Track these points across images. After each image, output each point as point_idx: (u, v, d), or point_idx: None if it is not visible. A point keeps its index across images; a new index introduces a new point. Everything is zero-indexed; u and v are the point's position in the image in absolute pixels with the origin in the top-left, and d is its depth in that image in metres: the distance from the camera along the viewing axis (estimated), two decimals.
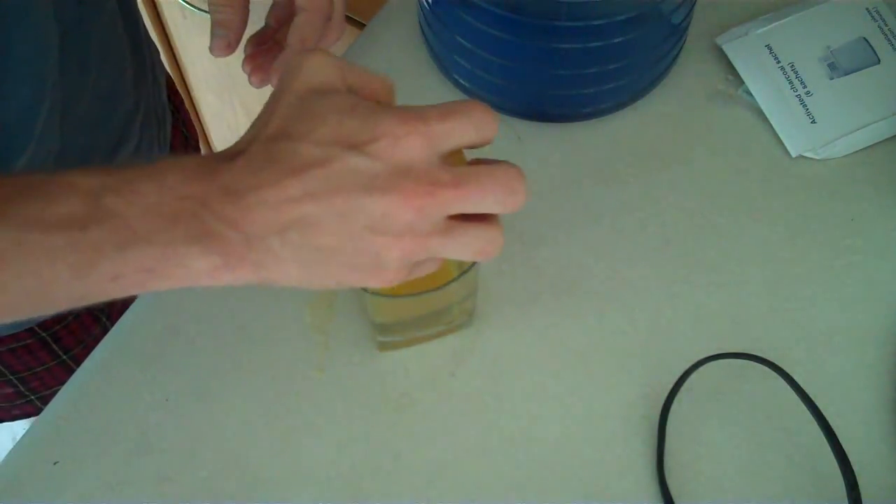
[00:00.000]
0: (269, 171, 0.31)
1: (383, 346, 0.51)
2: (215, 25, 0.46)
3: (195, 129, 0.81)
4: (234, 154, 0.32)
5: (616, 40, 0.53)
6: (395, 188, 0.31)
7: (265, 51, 0.49)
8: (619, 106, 0.60)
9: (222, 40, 0.46)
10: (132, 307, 0.54)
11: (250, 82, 0.49)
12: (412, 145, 0.31)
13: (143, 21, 0.61)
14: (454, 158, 0.34)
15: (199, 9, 1.02)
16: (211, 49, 0.47)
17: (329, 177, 0.31)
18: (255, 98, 1.19)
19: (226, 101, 1.25)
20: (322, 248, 0.32)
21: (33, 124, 0.47)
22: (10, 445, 0.51)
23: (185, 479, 0.48)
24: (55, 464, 0.49)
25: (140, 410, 0.50)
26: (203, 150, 1.13)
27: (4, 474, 0.49)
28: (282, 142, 0.32)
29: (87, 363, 0.52)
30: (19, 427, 1.46)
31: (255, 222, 0.31)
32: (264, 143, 0.32)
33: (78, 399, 0.51)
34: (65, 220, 0.31)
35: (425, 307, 0.48)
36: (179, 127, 0.75)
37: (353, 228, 0.32)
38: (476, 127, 0.33)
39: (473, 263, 0.43)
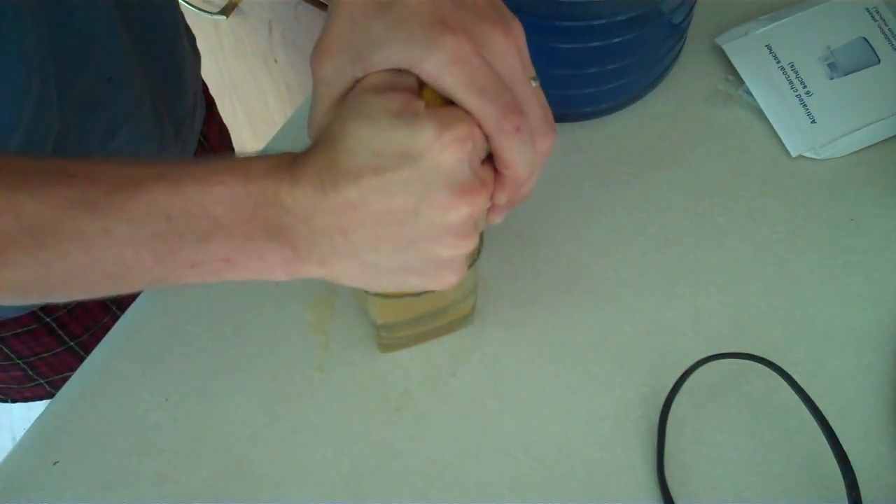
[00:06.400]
0: (330, 173, 0.33)
1: (384, 347, 0.51)
2: None
3: (226, 126, 0.81)
4: (304, 152, 0.34)
5: (616, 40, 0.53)
6: (444, 193, 0.33)
7: None
8: (619, 106, 0.60)
9: None
10: (133, 307, 0.54)
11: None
12: (454, 153, 0.33)
13: (157, 5, 0.59)
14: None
15: (199, 9, 1.01)
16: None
17: (383, 186, 0.33)
18: (256, 98, 1.19)
19: (226, 101, 1.25)
20: (381, 252, 0.35)
21: (24, 102, 0.47)
22: (10, 445, 0.51)
23: (185, 479, 0.48)
24: (55, 464, 0.49)
25: (140, 410, 0.50)
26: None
27: (4, 474, 0.49)
28: (340, 145, 0.33)
29: (87, 363, 0.52)
30: (19, 427, 1.46)
31: (320, 220, 0.34)
32: (327, 145, 0.34)
33: (78, 399, 0.51)
34: (150, 210, 0.33)
35: (425, 307, 0.48)
36: (214, 121, 0.76)
37: (409, 235, 0.34)
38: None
39: (473, 263, 0.43)
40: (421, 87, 0.35)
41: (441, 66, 0.33)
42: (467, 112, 0.34)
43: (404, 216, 0.34)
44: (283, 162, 0.34)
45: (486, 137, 0.35)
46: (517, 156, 0.35)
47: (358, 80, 0.35)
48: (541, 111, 0.36)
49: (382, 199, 0.33)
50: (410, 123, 0.33)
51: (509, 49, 0.35)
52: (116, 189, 0.33)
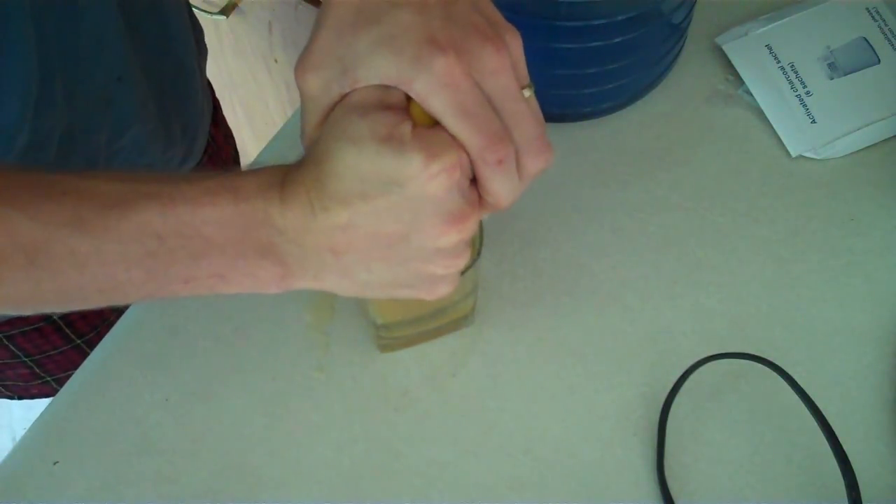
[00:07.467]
0: (319, 195, 0.33)
1: (384, 347, 0.51)
2: None
3: (229, 127, 0.81)
4: (293, 169, 0.34)
5: (616, 40, 0.53)
6: (434, 221, 0.33)
7: None
8: (619, 106, 0.60)
9: None
10: (133, 306, 0.54)
11: None
12: (442, 182, 0.33)
13: (162, 5, 0.59)
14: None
15: (199, 9, 1.01)
16: None
17: (371, 212, 0.33)
18: (256, 98, 1.19)
19: (226, 101, 1.25)
20: (373, 270, 0.35)
21: (27, 101, 0.47)
22: (10, 445, 0.51)
23: (185, 479, 0.48)
24: (55, 464, 0.49)
25: (140, 410, 0.50)
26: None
27: (4, 474, 0.49)
28: (327, 167, 0.33)
29: (88, 363, 0.52)
30: (19, 427, 1.46)
31: (310, 240, 0.34)
32: (315, 164, 0.33)
33: (78, 399, 0.51)
34: (142, 230, 0.33)
35: (425, 307, 0.48)
36: (220, 122, 0.76)
37: (400, 256, 0.35)
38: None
39: (473, 262, 0.43)
40: (408, 100, 0.34)
41: (429, 89, 0.32)
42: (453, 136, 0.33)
43: (395, 240, 0.34)
44: (273, 180, 0.34)
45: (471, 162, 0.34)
46: (498, 186, 0.34)
47: (344, 95, 0.34)
48: (534, 129, 0.35)
49: (371, 224, 0.33)
50: (398, 151, 0.32)
51: (502, 65, 0.33)
52: (107, 208, 0.33)
